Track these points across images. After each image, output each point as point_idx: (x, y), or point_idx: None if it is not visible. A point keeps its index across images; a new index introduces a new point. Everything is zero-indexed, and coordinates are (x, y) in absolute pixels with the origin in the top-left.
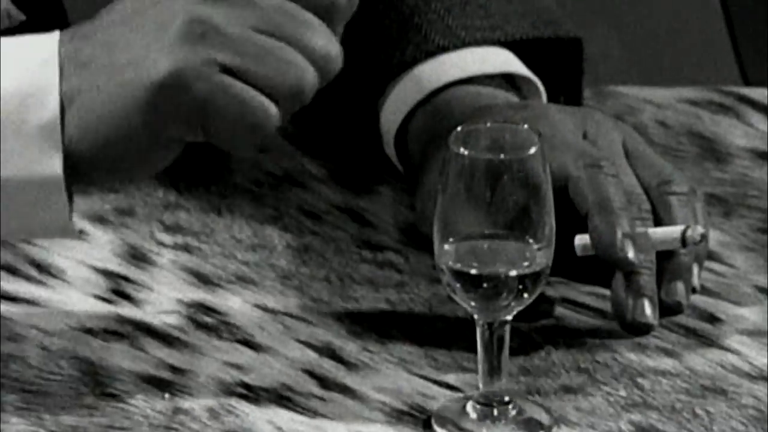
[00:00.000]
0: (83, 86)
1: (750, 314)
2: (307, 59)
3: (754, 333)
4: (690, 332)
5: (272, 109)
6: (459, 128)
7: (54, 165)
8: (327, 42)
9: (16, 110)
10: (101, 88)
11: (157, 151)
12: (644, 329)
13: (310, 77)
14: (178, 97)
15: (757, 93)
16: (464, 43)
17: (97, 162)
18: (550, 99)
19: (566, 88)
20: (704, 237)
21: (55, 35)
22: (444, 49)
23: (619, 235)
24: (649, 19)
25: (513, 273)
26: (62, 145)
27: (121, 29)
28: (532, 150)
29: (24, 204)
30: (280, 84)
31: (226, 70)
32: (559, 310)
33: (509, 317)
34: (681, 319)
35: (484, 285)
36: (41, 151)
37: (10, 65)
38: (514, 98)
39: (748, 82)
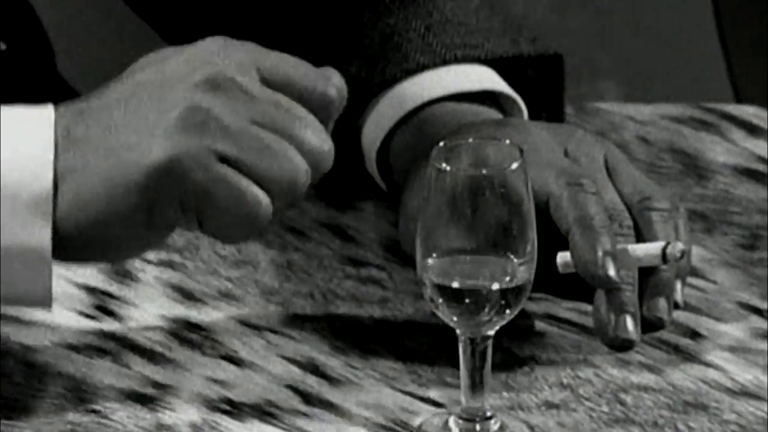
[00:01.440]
0: (77, 164)
1: (732, 330)
2: (301, 155)
3: (736, 349)
4: (672, 348)
5: (266, 202)
6: (441, 144)
7: (43, 237)
8: (320, 138)
9: (10, 181)
10: (96, 167)
11: (147, 234)
12: (626, 345)
13: (303, 173)
14: (175, 183)
15: (739, 110)
16: (445, 61)
17: (86, 240)
18: (532, 116)
19: (548, 105)
20: (685, 253)
21: (51, 110)
22: (424, 67)
23: (600, 253)
24: (639, 35)
25: (495, 287)
26: (53, 219)
27: (119, 111)
28: (514, 165)
29: (7, 273)
30: (276, 178)
31: (224, 160)
32: (542, 326)
33: (491, 332)
34: (663, 335)
35: (466, 299)
36: (31, 222)
37: (6, 137)
38: (496, 115)
39: (740, 101)
